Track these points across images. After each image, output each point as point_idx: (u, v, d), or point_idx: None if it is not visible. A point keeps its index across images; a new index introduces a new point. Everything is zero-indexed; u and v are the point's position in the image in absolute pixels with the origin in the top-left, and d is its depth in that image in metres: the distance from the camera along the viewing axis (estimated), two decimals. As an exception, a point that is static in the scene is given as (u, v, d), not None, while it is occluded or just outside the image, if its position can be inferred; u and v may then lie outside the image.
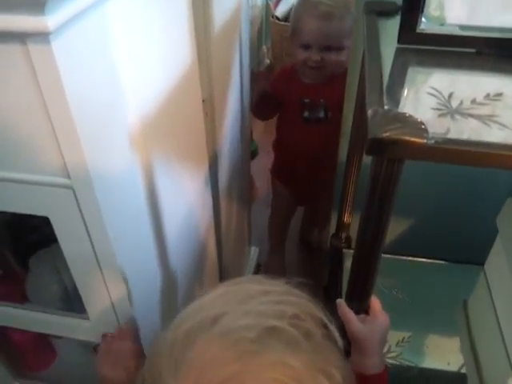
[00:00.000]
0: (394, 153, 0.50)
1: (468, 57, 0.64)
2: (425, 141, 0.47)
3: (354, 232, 1.14)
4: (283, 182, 1.43)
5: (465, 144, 0.49)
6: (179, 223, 0.80)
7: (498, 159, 0.48)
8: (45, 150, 0.48)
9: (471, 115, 0.52)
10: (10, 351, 0.88)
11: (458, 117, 0.51)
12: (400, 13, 0.66)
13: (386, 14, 0.75)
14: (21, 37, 0.40)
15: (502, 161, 0.49)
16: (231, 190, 1.12)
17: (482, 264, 0.92)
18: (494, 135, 0.49)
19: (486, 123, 0.50)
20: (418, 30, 0.64)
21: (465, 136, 0.49)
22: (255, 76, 1.24)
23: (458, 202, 1.14)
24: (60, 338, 0.88)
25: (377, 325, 0.62)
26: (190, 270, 0.90)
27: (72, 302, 0.69)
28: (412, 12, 0.63)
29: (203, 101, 0.83)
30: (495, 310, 0.84)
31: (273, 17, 2.23)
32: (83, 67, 0.46)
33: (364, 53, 0.69)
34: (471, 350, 0.91)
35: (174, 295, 0.82)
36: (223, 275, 1.14)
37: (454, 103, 0.54)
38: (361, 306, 0.65)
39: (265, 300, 0.39)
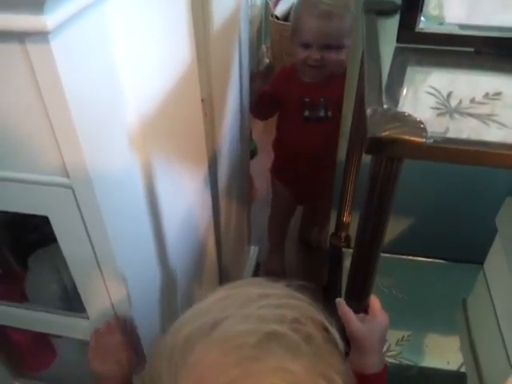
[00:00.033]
0: (393, 152, 0.50)
1: (467, 56, 0.64)
2: (424, 140, 0.47)
3: (353, 231, 1.14)
4: (283, 181, 1.43)
5: (464, 143, 0.49)
6: (179, 223, 0.80)
7: (497, 158, 0.48)
8: (44, 150, 0.48)
9: (470, 114, 0.52)
10: (10, 351, 0.88)
11: (457, 116, 0.51)
12: (399, 12, 0.66)
13: (385, 13, 0.75)
14: (20, 36, 0.40)
15: (501, 160, 0.49)
16: (231, 190, 1.12)
17: (482, 263, 0.92)
18: (492, 134, 0.49)
19: (485, 122, 0.50)
20: (417, 29, 0.64)
21: (464, 135, 0.49)
22: (254, 75, 1.24)
23: (457, 201, 1.14)
24: (60, 337, 0.88)
25: (376, 324, 0.62)
26: (190, 270, 0.90)
27: (71, 302, 0.69)
28: (411, 11, 0.63)
29: (202, 100, 0.83)
30: (495, 309, 0.84)
31: (272, 16, 2.22)
32: (82, 66, 0.46)
33: (363, 52, 0.69)
34: (471, 348, 0.91)
35: (173, 294, 0.82)
36: (223, 274, 1.14)
37: (453, 102, 0.54)
38: (360, 305, 0.65)
39: (265, 304, 0.38)
